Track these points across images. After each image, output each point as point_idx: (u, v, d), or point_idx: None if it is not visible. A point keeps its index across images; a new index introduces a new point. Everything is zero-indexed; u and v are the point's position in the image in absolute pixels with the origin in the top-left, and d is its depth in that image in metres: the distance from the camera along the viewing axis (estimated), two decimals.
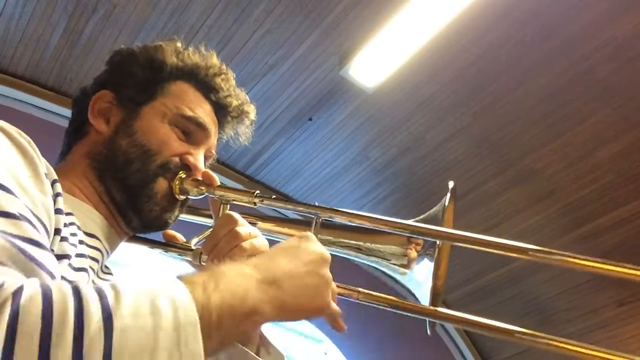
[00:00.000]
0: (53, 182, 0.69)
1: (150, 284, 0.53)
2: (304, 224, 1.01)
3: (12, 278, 0.48)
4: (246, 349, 0.88)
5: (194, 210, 1.05)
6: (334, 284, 0.73)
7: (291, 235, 1.00)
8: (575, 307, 3.92)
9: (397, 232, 0.92)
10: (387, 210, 4.01)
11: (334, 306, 0.73)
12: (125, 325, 0.47)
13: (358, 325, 4.60)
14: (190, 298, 0.52)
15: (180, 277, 0.56)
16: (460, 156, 3.59)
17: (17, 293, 0.46)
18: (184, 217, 1.03)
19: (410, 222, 0.89)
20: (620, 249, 3.61)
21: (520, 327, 0.77)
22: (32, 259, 0.54)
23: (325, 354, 4.68)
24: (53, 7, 2.96)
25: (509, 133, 3.42)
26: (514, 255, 0.82)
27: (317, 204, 0.94)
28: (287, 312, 0.64)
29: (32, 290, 0.47)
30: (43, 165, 0.67)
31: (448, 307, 4.43)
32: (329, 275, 0.72)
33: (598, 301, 3.83)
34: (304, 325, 4.53)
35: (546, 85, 3.16)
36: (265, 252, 0.71)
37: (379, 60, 3.15)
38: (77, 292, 0.48)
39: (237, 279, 0.59)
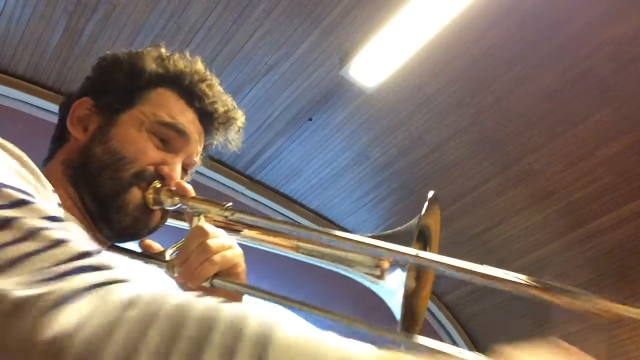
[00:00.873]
0: (52, 192, 0.70)
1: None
2: (292, 236, 0.99)
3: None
4: None
5: (180, 215, 1.02)
6: None
7: (277, 245, 0.98)
8: None
9: (363, 252, 0.90)
10: (387, 210, 4.01)
11: None
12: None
13: None
14: None
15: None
16: (460, 156, 3.59)
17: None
18: (173, 222, 1.02)
19: (379, 243, 0.84)
20: (620, 249, 3.61)
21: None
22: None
23: None
24: (53, 7, 2.96)
25: (509, 133, 3.42)
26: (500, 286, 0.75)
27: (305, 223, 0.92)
28: None
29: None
30: (43, 174, 0.67)
31: (448, 308, 4.44)
32: None
33: None
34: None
35: (546, 85, 3.16)
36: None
37: (379, 60, 3.15)
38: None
39: None
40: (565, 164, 3.45)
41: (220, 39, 3.09)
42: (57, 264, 0.49)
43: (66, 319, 0.45)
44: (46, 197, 0.64)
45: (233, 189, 3.83)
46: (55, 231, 0.53)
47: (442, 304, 4.33)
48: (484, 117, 3.37)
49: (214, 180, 3.71)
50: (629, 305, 0.66)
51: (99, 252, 0.54)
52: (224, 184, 3.76)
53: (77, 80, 3.24)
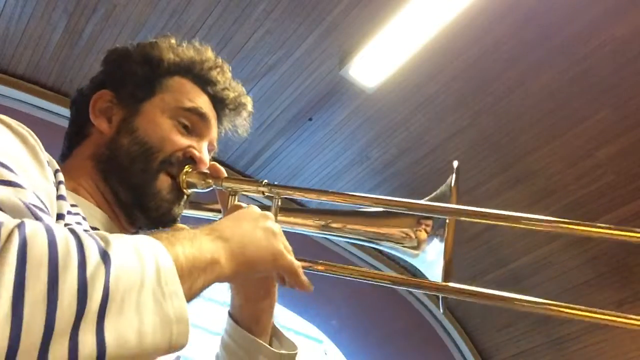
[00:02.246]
0: (55, 172, 0.70)
1: (130, 237, 0.58)
2: (320, 213, 1.00)
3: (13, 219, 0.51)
4: (259, 340, 0.91)
5: (197, 205, 1.04)
6: (285, 241, 0.78)
7: (308, 226, 1.00)
8: None
9: (407, 212, 0.93)
10: None
11: (291, 258, 0.77)
12: (118, 262, 0.52)
13: (358, 326, 4.60)
14: (163, 246, 0.58)
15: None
16: (460, 156, 3.58)
17: (21, 225, 0.49)
18: (188, 212, 1.03)
19: (420, 201, 0.90)
20: (620, 249, 3.61)
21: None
22: (37, 216, 0.55)
23: (326, 354, 4.68)
24: (53, 7, 2.96)
25: (509, 133, 3.42)
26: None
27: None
28: (242, 262, 0.70)
29: (35, 224, 0.50)
30: (45, 154, 0.68)
31: (448, 308, 4.44)
32: (275, 227, 0.78)
33: (598, 301, 3.83)
34: (304, 326, 4.53)
35: (546, 85, 3.16)
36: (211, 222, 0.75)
37: (379, 60, 3.15)
38: (73, 231, 0.52)
39: (191, 237, 0.65)
40: (565, 164, 3.45)
41: (220, 38, 3.09)
42: None
43: None
44: (43, 175, 0.65)
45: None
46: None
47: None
48: (484, 117, 3.37)
49: None
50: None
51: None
52: None
53: (77, 80, 3.24)
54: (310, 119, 3.56)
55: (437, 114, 3.42)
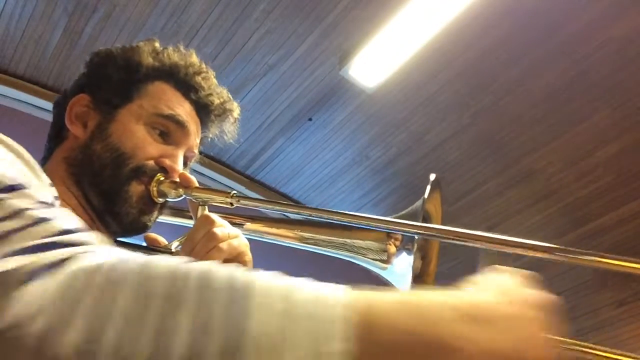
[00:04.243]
0: (50, 185, 0.69)
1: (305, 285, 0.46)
2: (293, 223, 1.00)
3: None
4: None
5: (179, 212, 1.03)
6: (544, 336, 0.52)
7: (280, 236, 0.98)
8: (575, 307, 3.92)
9: (377, 229, 0.93)
10: (387, 210, 4.01)
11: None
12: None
13: None
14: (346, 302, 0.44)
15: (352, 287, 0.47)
16: (460, 156, 3.59)
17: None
18: (168, 219, 1.02)
19: (388, 218, 0.89)
20: (620, 249, 3.61)
21: None
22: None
23: None
24: (53, 7, 2.96)
25: (509, 133, 3.42)
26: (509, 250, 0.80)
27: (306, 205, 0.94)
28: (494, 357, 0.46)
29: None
30: (40, 168, 0.66)
31: None
32: (546, 321, 0.52)
33: (598, 301, 3.83)
34: None
35: (546, 85, 3.16)
36: (462, 289, 0.55)
37: (379, 60, 3.15)
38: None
39: (429, 304, 0.47)
40: (565, 164, 3.45)
41: (220, 39, 3.09)
42: (34, 240, 0.47)
43: (28, 298, 0.42)
44: (42, 189, 0.63)
45: (233, 189, 3.83)
46: (40, 211, 0.51)
47: None
48: (484, 117, 3.37)
49: (214, 180, 3.71)
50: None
51: (81, 230, 0.52)
52: (223, 184, 3.76)
53: None
54: (310, 119, 3.56)
55: (437, 113, 3.42)
